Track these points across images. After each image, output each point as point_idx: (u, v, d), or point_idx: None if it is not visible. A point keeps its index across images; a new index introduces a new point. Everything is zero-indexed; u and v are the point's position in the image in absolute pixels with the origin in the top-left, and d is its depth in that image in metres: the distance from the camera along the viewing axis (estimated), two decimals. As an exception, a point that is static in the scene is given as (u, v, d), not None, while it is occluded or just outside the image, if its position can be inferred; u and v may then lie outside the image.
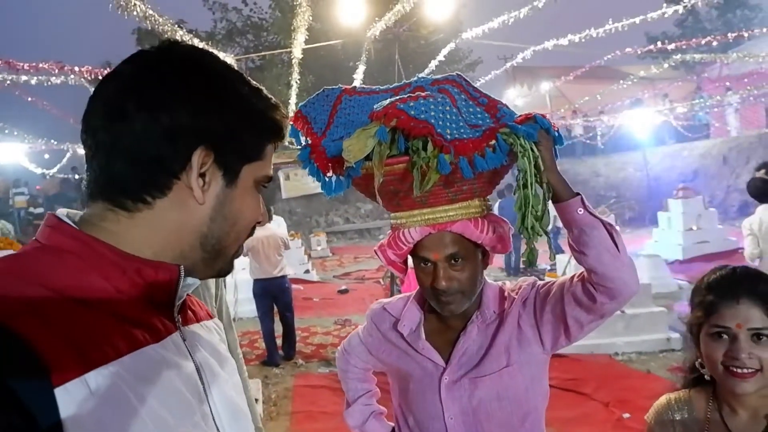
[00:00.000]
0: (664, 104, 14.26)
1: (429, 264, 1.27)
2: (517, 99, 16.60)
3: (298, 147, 1.27)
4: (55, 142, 10.14)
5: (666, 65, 9.04)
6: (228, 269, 0.80)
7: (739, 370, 1.16)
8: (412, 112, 1.08)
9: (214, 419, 0.74)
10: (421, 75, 1.34)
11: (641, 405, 4.50)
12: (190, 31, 5.59)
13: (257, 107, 0.76)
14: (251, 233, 0.80)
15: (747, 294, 1.18)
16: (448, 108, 1.13)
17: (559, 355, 5.57)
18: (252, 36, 22.29)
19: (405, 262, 1.37)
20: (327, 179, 1.23)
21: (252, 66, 20.94)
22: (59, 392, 0.56)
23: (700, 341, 1.24)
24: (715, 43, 7.72)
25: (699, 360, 1.28)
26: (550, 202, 1.16)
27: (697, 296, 1.27)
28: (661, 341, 5.73)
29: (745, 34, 8.18)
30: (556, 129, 1.17)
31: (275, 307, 6.19)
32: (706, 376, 1.26)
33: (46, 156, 12.78)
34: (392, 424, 1.52)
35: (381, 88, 1.32)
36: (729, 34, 7.84)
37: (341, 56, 17.88)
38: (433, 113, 1.10)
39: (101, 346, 0.61)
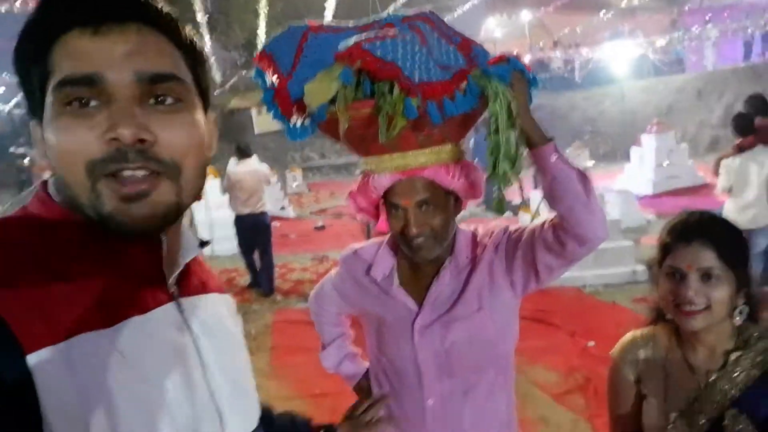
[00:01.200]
0: (647, 36, 14.06)
1: (400, 210, 1.25)
2: (496, 29, 16.20)
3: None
4: (7, 75, 9.58)
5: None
6: (108, 222, 0.62)
7: (687, 308, 1.20)
8: (378, 53, 1.03)
9: (212, 393, 0.70)
10: (393, 10, 1.27)
11: (606, 333, 4.71)
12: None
13: (24, 28, 0.63)
14: (117, 161, 0.60)
15: (699, 236, 1.21)
16: (417, 48, 1.08)
17: (529, 289, 5.75)
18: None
19: (377, 208, 1.35)
20: (291, 124, 1.17)
21: (219, -7, 19.88)
22: (31, 359, 0.55)
23: (658, 281, 1.28)
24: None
25: None
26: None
27: (659, 238, 1.31)
28: (628, 274, 5.94)
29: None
30: (529, 70, 1.13)
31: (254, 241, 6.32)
32: (667, 315, 1.30)
33: (1, 88, 12.05)
34: (367, 364, 1.56)
35: (349, 25, 1.24)
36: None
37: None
38: (400, 54, 1.05)
39: (76, 317, 0.59)
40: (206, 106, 0.72)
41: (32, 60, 0.62)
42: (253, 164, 6.28)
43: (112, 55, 0.60)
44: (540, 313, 5.08)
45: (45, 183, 0.68)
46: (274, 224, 7.60)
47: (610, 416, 1.45)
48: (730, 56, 18.13)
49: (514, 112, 1.08)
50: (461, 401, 1.34)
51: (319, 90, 1.04)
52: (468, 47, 1.17)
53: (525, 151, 1.14)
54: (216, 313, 0.77)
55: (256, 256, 6.44)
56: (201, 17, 7.64)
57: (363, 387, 1.56)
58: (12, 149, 13.56)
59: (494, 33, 15.85)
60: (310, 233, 9.89)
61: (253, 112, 18.60)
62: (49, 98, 0.61)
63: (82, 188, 0.61)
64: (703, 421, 1.22)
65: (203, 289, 0.77)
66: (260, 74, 1.21)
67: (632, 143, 12.19)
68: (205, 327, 0.72)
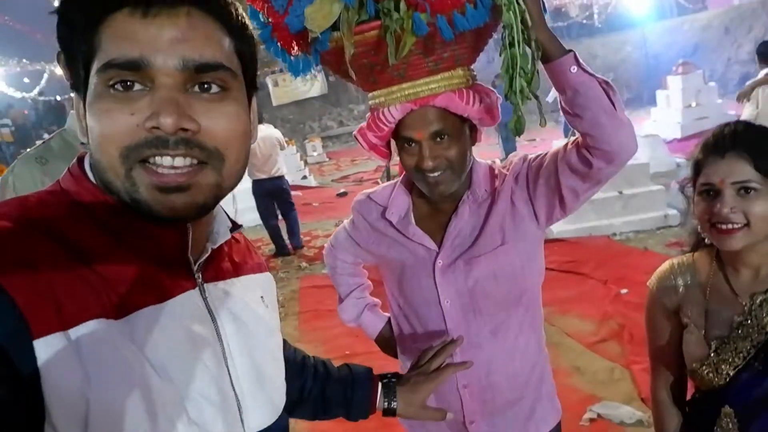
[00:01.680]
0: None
1: (413, 144, 1.18)
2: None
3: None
4: (28, 62, 9.66)
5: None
6: (143, 206, 0.61)
7: (724, 226, 1.12)
8: None
9: (232, 383, 0.69)
10: None
11: (639, 280, 4.59)
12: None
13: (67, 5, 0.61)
14: (156, 146, 0.59)
15: (732, 148, 1.12)
16: None
17: (557, 239, 5.67)
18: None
19: (388, 145, 1.28)
20: (293, 59, 1.10)
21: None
22: (38, 344, 0.53)
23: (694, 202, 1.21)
24: None
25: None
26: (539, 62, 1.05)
27: (692, 157, 1.23)
28: (659, 218, 5.79)
29: None
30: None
31: (276, 206, 6.46)
32: (706, 240, 1.23)
33: (26, 80, 12.20)
34: (387, 314, 1.51)
35: None
36: None
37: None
38: (404, -32, 0.96)
39: (90, 302, 0.57)
40: (252, 93, 0.70)
41: (78, 37, 0.60)
42: (265, 129, 6.33)
43: (160, 39, 0.58)
44: (570, 263, 5.02)
45: (81, 159, 0.67)
46: (296, 194, 7.66)
47: (650, 349, 1.39)
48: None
49: (529, 23, 1.00)
50: (490, 341, 1.30)
51: (320, 13, 0.97)
52: None
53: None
54: (245, 298, 0.74)
55: (279, 225, 6.51)
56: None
57: (386, 338, 1.52)
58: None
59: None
60: (332, 200, 9.91)
61: (270, 84, 18.51)
62: (93, 78, 0.59)
63: (116, 173, 0.60)
64: (749, 347, 1.16)
65: (235, 272, 0.75)
66: (254, 14, 1.14)
67: (657, 87, 11.77)
68: (231, 314, 0.71)
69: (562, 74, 1.05)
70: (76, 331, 0.56)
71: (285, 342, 1.01)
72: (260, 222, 6.77)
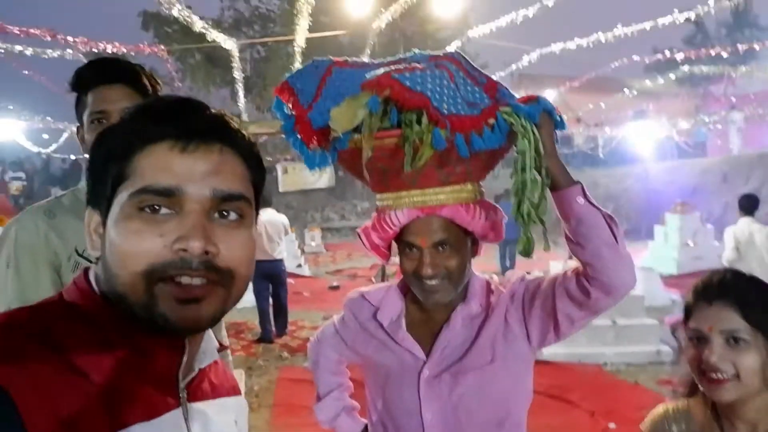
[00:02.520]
0: (671, 118, 14.21)
1: (415, 250, 1.19)
2: (520, 106, 16.52)
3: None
4: (52, 120, 10.02)
5: (672, 76, 8.93)
6: (160, 322, 0.63)
7: (714, 375, 1.10)
8: (408, 83, 1.01)
9: None
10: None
11: (629, 416, 4.46)
12: (201, 18, 5.50)
13: (115, 126, 0.69)
14: (182, 267, 0.62)
15: (720, 296, 1.13)
16: (445, 82, 1.06)
17: (546, 362, 5.52)
18: (259, 27, 22.12)
19: (389, 248, 1.29)
20: (311, 152, 1.14)
21: (257, 57, 20.84)
22: None
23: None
24: (724, 54, 7.67)
25: None
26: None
27: (684, 301, 1.23)
28: (651, 353, 5.68)
29: (757, 47, 8.11)
30: (558, 113, 1.11)
31: (270, 288, 6.60)
32: (701, 386, 1.19)
33: (45, 136, 12.57)
34: (365, 420, 1.44)
35: (374, 62, 1.24)
36: (739, 45, 7.77)
37: (347, 50, 17.80)
38: (429, 86, 1.03)
39: (88, 420, 0.58)
40: (257, 213, 0.75)
41: (115, 161, 0.65)
42: (273, 214, 6.57)
43: (194, 171, 0.64)
44: (557, 389, 4.86)
45: (86, 271, 0.69)
46: (289, 281, 7.63)
47: None
48: (756, 141, 18.13)
49: (541, 152, 1.05)
50: None
51: (344, 116, 1.01)
52: (494, 88, 1.16)
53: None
54: (221, 421, 0.74)
55: (269, 310, 6.55)
56: (238, 76, 8.00)
57: None
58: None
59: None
60: (324, 292, 9.80)
61: (279, 170, 19.01)
62: (122, 198, 0.63)
63: (136, 288, 0.62)
64: None
65: (213, 393, 0.75)
66: (279, 105, 1.20)
67: (655, 222, 12.06)
68: None
69: (568, 203, 1.08)
70: None
71: None
72: (247, 305, 6.70)
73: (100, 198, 0.66)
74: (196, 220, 0.63)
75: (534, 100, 1.08)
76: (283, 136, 1.21)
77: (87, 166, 0.69)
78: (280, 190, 19.18)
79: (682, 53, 8.09)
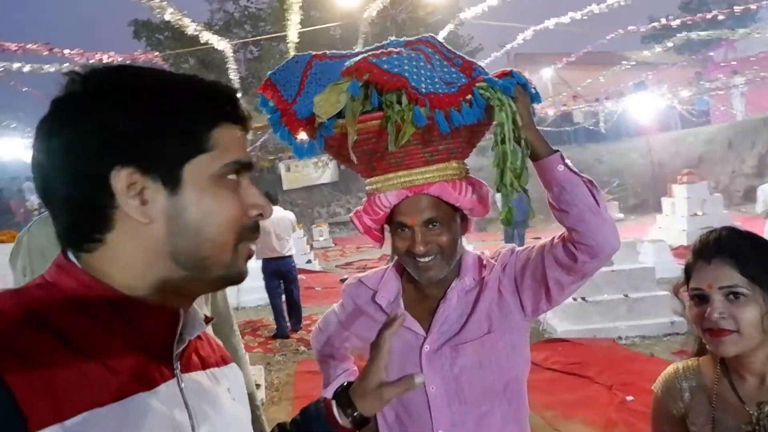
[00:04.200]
0: (672, 88, 14.08)
1: (406, 229, 1.22)
2: (518, 86, 16.42)
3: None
4: None
5: (670, 44, 8.81)
6: (236, 277, 0.71)
7: (714, 328, 1.13)
8: (385, 66, 1.04)
9: None
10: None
11: (645, 388, 4.43)
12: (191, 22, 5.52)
13: (175, 99, 0.68)
14: (247, 234, 0.71)
15: (718, 253, 1.16)
16: (422, 64, 1.08)
17: (561, 340, 5.55)
18: (249, 27, 22.10)
19: (382, 229, 1.32)
20: (298, 142, 1.17)
21: (250, 57, 20.84)
22: None
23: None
24: (721, 17, 7.54)
25: None
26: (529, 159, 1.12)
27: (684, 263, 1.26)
28: (665, 325, 5.69)
29: (753, 7, 7.97)
30: (533, 86, 1.13)
31: (281, 285, 6.68)
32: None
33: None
34: None
35: (353, 52, 1.26)
36: (735, 8, 7.64)
37: (339, 43, 17.77)
38: (406, 67, 1.05)
39: (85, 393, 0.59)
40: None
41: (187, 129, 0.67)
42: (280, 211, 6.60)
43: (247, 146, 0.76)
44: (573, 365, 4.88)
45: (65, 252, 0.69)
46: (300, 277, 7.71)
47: None
48: (759, 105, 17.94)
49: (519, 124, 1.08)
50: (473, 429, 1.27)
51: (327, 102, 1.05)
52: (470, 68, 1.18)
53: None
54: (213, 391, 0.76)
55: (283, 305, 6.65)
56: (234, 77, 8.03)
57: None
58: None
59: (517, 89, 16.10)
60: (335, 286, 9.86)
61: (282, 168, 19.07)
62: (210, 169, 0.68)
63: (226, 249, 0.69)
64: None
65: (203, 365, 0.77)
66: (265, 102, 1.22)
67: (663, 195, 12.00)
68: (202, 406, 0.72)
69: (549, 172, 1.11)
70: (71, 423, 0.57)
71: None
72: (261, 303, 6.78)
73: (158, 164, 0.65)
74: (258, 191, 0.73)
75: (508, 74, 1.11)
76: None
77: (121, 123, 0.64)
78: (284, 188, 19.27)
79: (678, 20, 7.96)
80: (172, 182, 0.66)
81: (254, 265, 6.64)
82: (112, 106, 0.65)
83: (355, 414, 0.96)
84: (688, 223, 10.46)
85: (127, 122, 0.64)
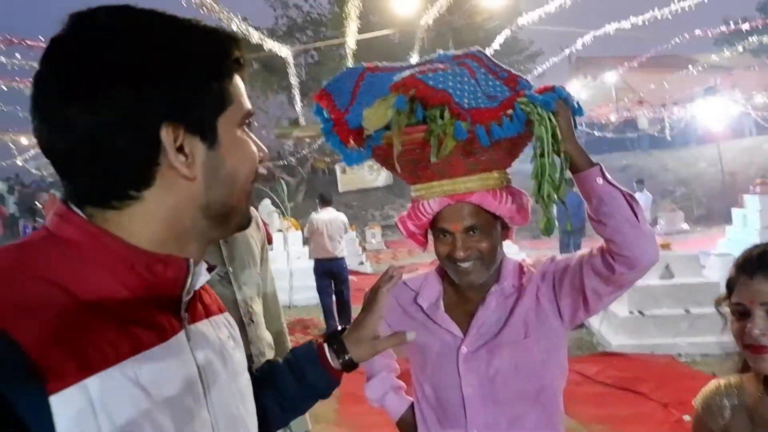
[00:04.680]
0: (745, 92, 13.34)
1: (447, 235, 1.28)
2: (581, 91, 16.04)
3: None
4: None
5: (741, 48, 8.36)
6: (246, 222, 0.75)
7: (755, 344, 1.13)
8: (430, 83, 1.10)
9: (212, 426, 0.69)
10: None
11: (704, 408, 4.26)
12: (256, 29, 5.74)
13: (204, 51, 0.67)
14: (257, 177, 0.74)
15: (759, 269, 1.15)
16: (466, 79, 1.14)
17: (615, 354, 5.38)
18: (311, 32, 22.70)
19: (425, 235, 1.38)
20: (348, 150, 1.25)
21: (311, 61, 21.34)
22: (55, 400, 0.53)
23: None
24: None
25: None
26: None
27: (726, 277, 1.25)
28: (729, 344, 5.37)
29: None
30: (575, 99, 1.16)
31: (332, 285, 6.78)
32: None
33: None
34: (411, 399, 1.54)
35: (403, 65, 1.33)
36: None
37: (396, 47, 17.90)
38: (450, 83, 1.11)
39: (102, 349, 0.58)
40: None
41: (213, 80, 0.67)
42: (333, 212, 6.79)
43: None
44: (626, 380, 4.73)
45: (62, 201, 0.67)
46: (351, 278, 7.83)
47: None
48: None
49: (559, 137, 1.11)
50: (506, 431, 1.31)
51: (375, 115, 1.12)
52: (514, 81, 1.22)
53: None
54: (218, 339, 0.76)
55: (333, 306, 6.75)
56: (294, 82, 8.30)
57: (407, 422, 1.53)
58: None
59: (580, 94, 15.74)
60: (386, 288, 9.93)
61: (338, 171, 19.40)
62: (233, 122, 0.70)
63: (247, 193, 0.73)
64: None
65: (206, 313, 0.77)
66: (319, 111, 1.31)
67: (731, 205, 11.38)
68: (207, 355, 0.72)
69: (588, 184, 1.14)
70: (91, 382, 0.56)
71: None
72: (312, 302, 6.91)
73: (197, 120, 0.66)
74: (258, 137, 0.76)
75: (550, 89, 1.15)
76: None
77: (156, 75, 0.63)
78: (340, 190, 19.59)
79: (747, 23, 7.53)
80: (210, 137, 0.67)
81: (306, 265, 6.83)
82: (154, 57, 0.63)
83: (347, 357, 1.00)
84: (760, 237, 9.86)
85: (170, 76, 0.64)
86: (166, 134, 0.63)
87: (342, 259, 6.74)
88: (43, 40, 5.01)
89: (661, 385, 4.62)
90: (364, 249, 12.85)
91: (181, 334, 0.68)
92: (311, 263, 6.84)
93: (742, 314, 1.16)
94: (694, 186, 17.09)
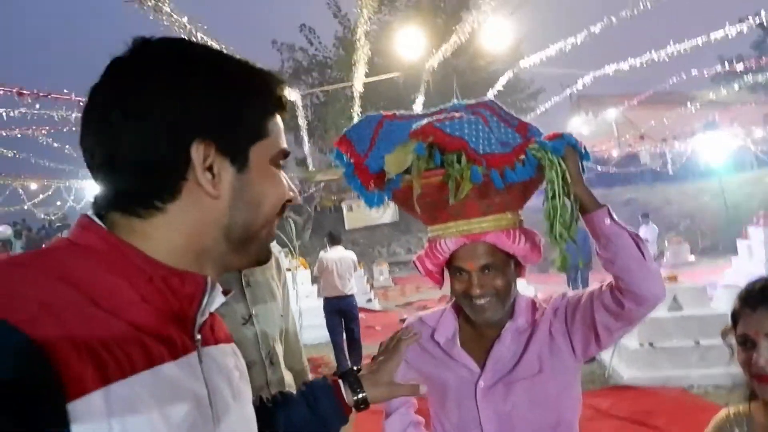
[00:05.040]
0: (744, 127, 13.54)
1: (464, 273, 1.34)
2: (582, 127, 16.28)
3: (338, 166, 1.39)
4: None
5: (737, 87, 8.58)
6: (265, 256, 0.76)
7: (762, 373, 1.16)
8: (448, 130, 1.19)
9: None
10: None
11: (718, 442, 4.22)
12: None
13: (248, 83, 0.72)
14: (282, 213, 0.76)
15: (763, 301, 1.19)
16: (480, 126, 1.23)
17: (627, 387, 5.35)
18: (317, 73, 23.25)
19: (441, 273, 1.44)
20: (369, 193, 1.33)
21: (317, 102, 21.79)
22: (73, 407, 0.52)
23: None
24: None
25: None
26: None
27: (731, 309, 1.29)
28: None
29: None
30: (582, 146, 1.24)
31: (342, 323, 6.75)
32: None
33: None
34: None
35: (419, 113, 1.42)
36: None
37: (401, 89, 18.31)
38: (466, 131, 1.20)
39: (120, 359, 0.57)
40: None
41: (255, 114, 0.72)
42: (342, 251, 6.83)
43: None
44: (641, 414, 4.70)
45: (84, 215, 0.69)
46: (360, 316, 7.83)
47: None
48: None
49: (569, 181, 1.19)
50: None
51: (396, 160, 1.21)
52: (525, 129, 1.32)
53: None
54: (226, 367, 0.77)
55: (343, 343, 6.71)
56: (302, 123, 8.51)
57: None
58: None
59: (581, 130, 15.98)
60: (395, 325, 9.86)
61: (345, 209, 19.54)
62: (268, 153, 0.73)
63: (270, 224, 0.75)
64: None
65: (214, 339, 0.77)
66: (339, 156, 1.40)
67: (735, 237, 11.40)
68: (217, 379, 0.72)
69: (596, 224, 1.22)
70: (114, 390, 0.55)
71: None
72: (322, 341, 6.89)
73: (230, 143, 0.68)
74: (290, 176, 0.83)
75: (559, 136, 1.23)
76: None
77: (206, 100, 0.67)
78: (347, 227, 19.66)
79: (742, 63, 7.74)
80: (240, 161, 0.69)
81: (316, 304, 6.85)
82: (199, 80, 0.67)
83: (361, 395, 1.04)
84: (766, 268, 9.85)
85: (210, 98, 0.67)
86: (196, 150, 0.65)
87: (352, 296, 6.76)
88: (47, 91, 5.17)
89: (675, 419, 4.58)
90: (372, 286, 12.83)
91: (193, 356, 0.68)
92: (320, 302, 6.86)
93: (748, 345, 1.20)
94: (697, 219, 17.12)
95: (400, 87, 17.84)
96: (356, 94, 6.11)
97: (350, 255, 6.89)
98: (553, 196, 1.18)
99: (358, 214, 20.05)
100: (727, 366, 5.60)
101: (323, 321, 6.77)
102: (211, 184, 0.67)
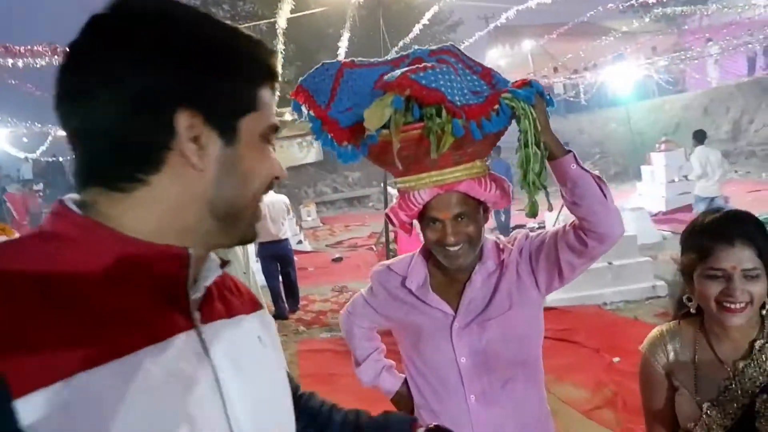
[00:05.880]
0: (649, 57, 14.30)
1: (437, 223, 1.37)
2: (499, 59, 16.50)
3: (297, 120, 1.34)
4: (39, 125, 9.97)
5: (647, 19, 9.04)
6: (251, 235, 0.73)
7: (733, 306, 1.26)
8: (423, 82, 1.17)
9: (230, 426, 0.66)
10: (415, 46, 1.40)
11: (631, 349, 4.63)
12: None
13: (237, 50, 0.67)
14: (268, 190, 0.73)
15: (740, 236, 1.25)
16: (453, 77, 1.22)
17: (551, 308, 5.79)
18: (228, 6, 21.72)
19: (411, 223, 1.47)
20: (341, 148, 1.31)
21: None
22: (20, 403, 0.50)
23: (694, 281, 1.33)
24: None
25: (687, 295, 1.39)
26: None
27: (691, 239, 1.36)
28: (647, 289, 5.97)
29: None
30: (547, 93, 1.28)
31: (279, 268, 6.70)
32: (692, 310, 1.38)
33: (25, 140, 12.53)
34: (403, 375, 1.65)
35: (379, 60, 1.39)
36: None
37: (322, 23, 17.60)
38: (442, 82, 1.19)
39: (84, 348, 0.54)
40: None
41: (244, 84, 0.68)
42: (273, 194, 6.60)
43: None
44: (563, 332, 5.12)
45: (62, 200, 0.65)
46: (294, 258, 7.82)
47: (645, 411, 1.52)
48: (733, 71, 18.30)
49: (539, 128, 1.23)
50: (500, 394, 1.45)
51: (375, 115, 1.18)
52: (489, 75, 1.33)
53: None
54: (241, 339, 0.73)
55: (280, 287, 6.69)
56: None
57: (402, 396, 1.63)
58: None
59: (498, 62, 16.20)
60: (328, 265, 10.00)
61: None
62: (256, 127, 0.68)
63: (256, 199, 0.71)
64: (736, 408, 1.29)
65: (228, 312, 0.74)
66: (297, 107, 1.35)
67: (642, 162, 12.29)
68: (228, 357, 0.68)
69: (563, 170, 1.28)
70: (64, 384, 0.52)
71: (312, 393, 1.07)
72: (260, 284, 6.84)
73: (217, 114, 0.65)
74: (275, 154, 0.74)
75: (527, 84, 1.26)
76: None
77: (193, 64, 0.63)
78: (270, 169, 19.16)
79: (653, -5, 8.14)
80: (228, 134, 0.66)
81: (250, 249, 6.73)
82: (183, 43, 0.63)
83: None
84: (666, 190, 10.78)
85: (195, 65, 0.63)
86: (181, 117, 0.62)
87: (286, 240, 6.68)
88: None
89: (592, 333, 5.06)
90: (301, 227, 12.77)
91: (191, 333, 0.65)
92: (254, 245, 6.75)
93: (719, 278, 1.27)
94: (607, 146, 18.21)
95: (321, 20, 17.12)
96: (279, 31, 5.80)
97: (282, 198, 6.74)
98: (526, 145, 1.22)
99: (281, 154, 19.46)
100: (636, 283, 6.20)
101: (258, 266, 6.62)
102: (197, 155, 0.63)
